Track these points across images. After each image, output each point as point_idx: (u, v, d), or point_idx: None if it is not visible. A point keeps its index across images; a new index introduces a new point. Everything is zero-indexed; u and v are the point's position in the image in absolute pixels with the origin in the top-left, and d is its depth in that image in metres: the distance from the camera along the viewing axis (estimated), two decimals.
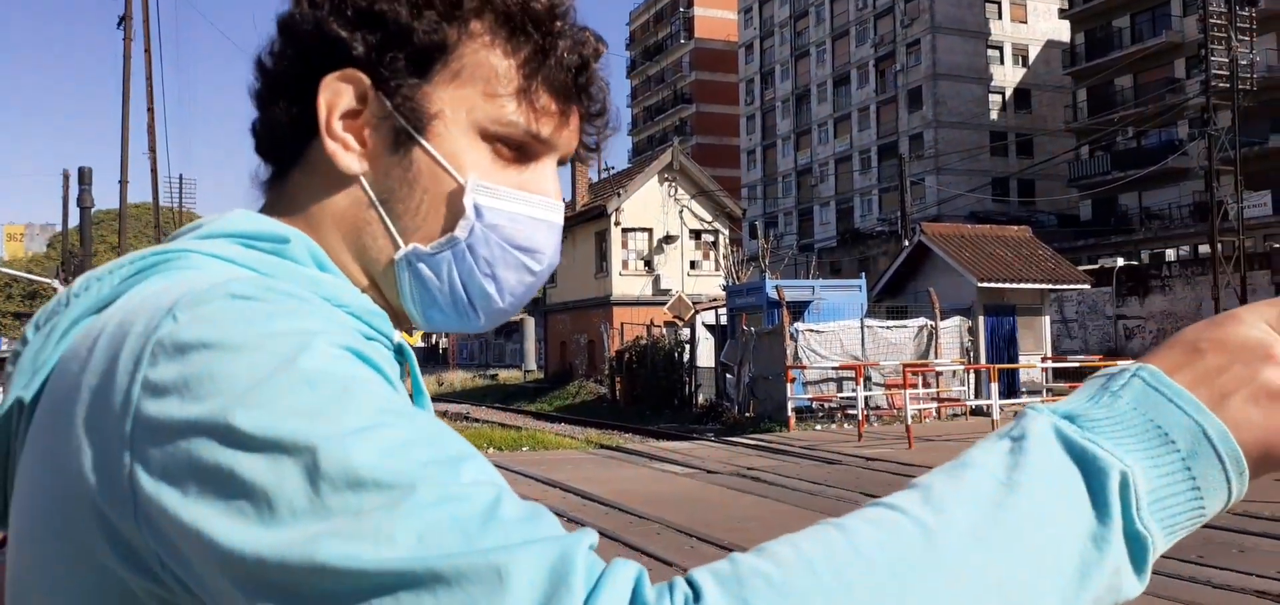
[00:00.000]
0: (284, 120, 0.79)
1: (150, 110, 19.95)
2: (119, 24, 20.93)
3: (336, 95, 0.77)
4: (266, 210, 0.81)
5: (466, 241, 0.78)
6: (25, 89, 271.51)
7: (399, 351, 0.79)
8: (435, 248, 0.78)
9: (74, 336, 0.68)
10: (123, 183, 23.76)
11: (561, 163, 0.86)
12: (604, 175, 43.53)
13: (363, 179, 0.78)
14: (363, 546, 0.52)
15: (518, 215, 0.80)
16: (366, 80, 0.77)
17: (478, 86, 0.77)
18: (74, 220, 13.79)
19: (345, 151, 0.78)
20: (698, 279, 36.57)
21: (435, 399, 40.06)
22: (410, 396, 0.81)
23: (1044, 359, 22.79)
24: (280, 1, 0.82)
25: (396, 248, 0.79)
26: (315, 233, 0.78)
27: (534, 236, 0.81)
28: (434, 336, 77.68)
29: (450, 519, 0.54)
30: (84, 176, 13.11)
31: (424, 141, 0.77)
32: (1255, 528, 8.77)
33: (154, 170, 25.56)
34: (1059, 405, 0.62)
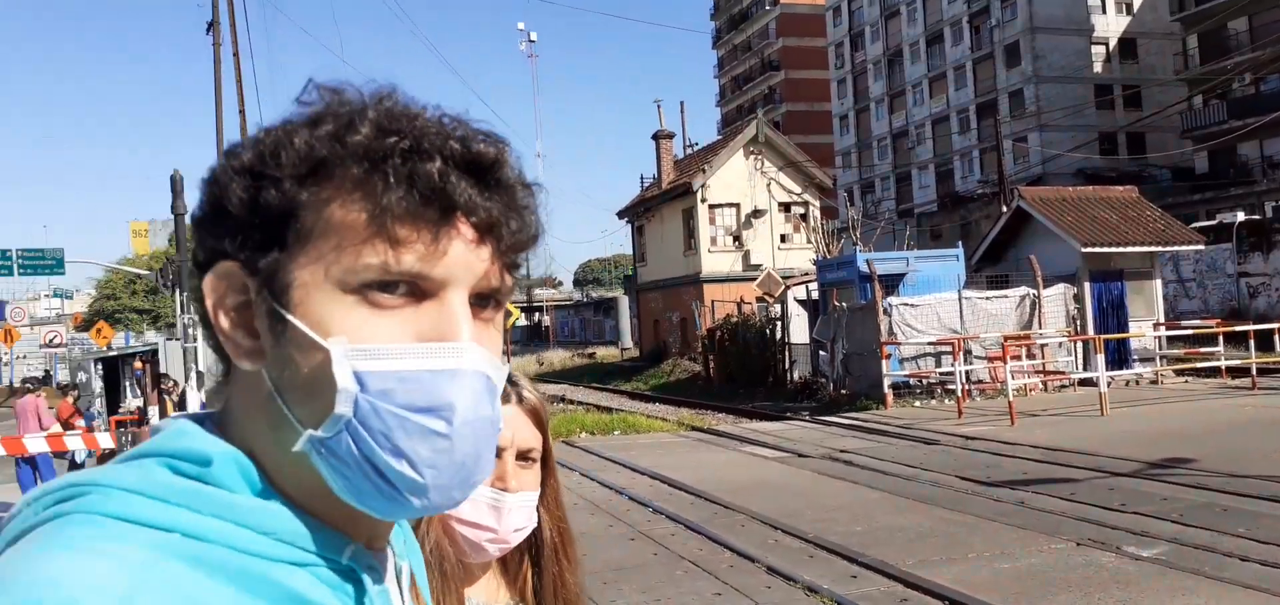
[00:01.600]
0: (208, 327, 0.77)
1: (242, 111, 20.59)
2: (207, 30, 21.61)
3: (216, 292, 0.74)
4: (218, 414, 0.77)
5: (355, 415, 0.68)
6: (147, 89, 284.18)
7: (352, 571, 0.74)
8: (327, 429, 0.69)
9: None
10: None
11: (494, 295, 0.75)
12: (689, 151, 43.21)
13: (263, 370, 0.72)
14: None
15: (408, 373, 0.69)
16: (237, 269, 0.73)
17: (330, 240, 0.70)
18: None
19: (235, 350, 0.74)
20: (789, 252, 36.03)
21: (536, 378, 40.65)
22: None
23: (1157, 325, 21.71)
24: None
25: (298, 437, 0.71)
26: (249, 435, 0.73)
27: (435, 391, 0.69)
28: (537, 315, 78.95)
29: None
30: (175, 186, 13.53)
31: (289, 315, 0.70)
32: None
33: None
34: None
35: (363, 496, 0.71)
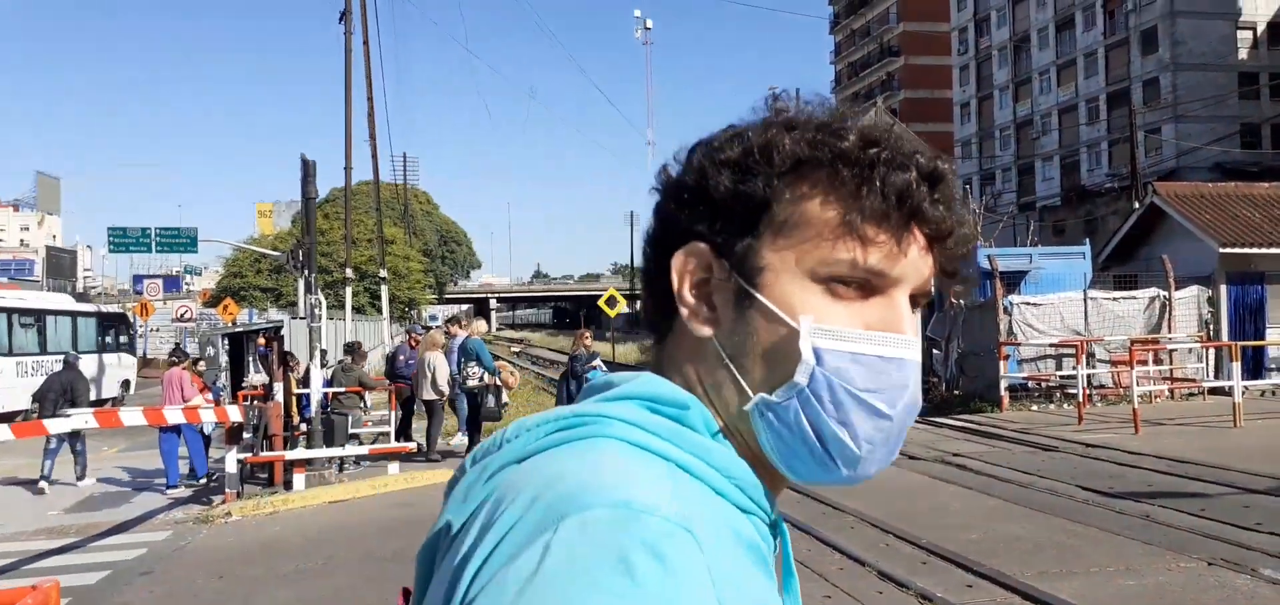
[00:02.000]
0: (660, 296, 0.86)
1: (370, 99, 21.37)
2: (340, 20, 22.44)
3: (684, 269, 0.84)
4: (653, 371, 0.86)
5: (809, 386, 0.78)
6: (277, 77, 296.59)
7: (774, 526, 0.82)
8: (781, 395, 0.79)
9: (500, 480, 0.73)
10: (347, 169, 25.61)
11: (922, 297, 0.84)
12: None
13: (715, 339, 0.82)
14: None
15: (861, 356, 0.78)
16: (706, 249, 0.83)
17: (802, 232, 0.80)
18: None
19: (694, 318, 0.83)
20: None
21: (638, 366, 40.87)
22: (779, 575, 0.83)
23: None
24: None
25: (747, 400, 0.80)
26: (695, 392, 0.82)
27: (883, 377, 0.79)
28: (639, 303, 78.80)
29: None
30: (308, 170, 13.99)
31: (757, 294, 0.80)
32: None
33: (374, 155, 27.37)
34: None
35: (791, 458, 0.80)
